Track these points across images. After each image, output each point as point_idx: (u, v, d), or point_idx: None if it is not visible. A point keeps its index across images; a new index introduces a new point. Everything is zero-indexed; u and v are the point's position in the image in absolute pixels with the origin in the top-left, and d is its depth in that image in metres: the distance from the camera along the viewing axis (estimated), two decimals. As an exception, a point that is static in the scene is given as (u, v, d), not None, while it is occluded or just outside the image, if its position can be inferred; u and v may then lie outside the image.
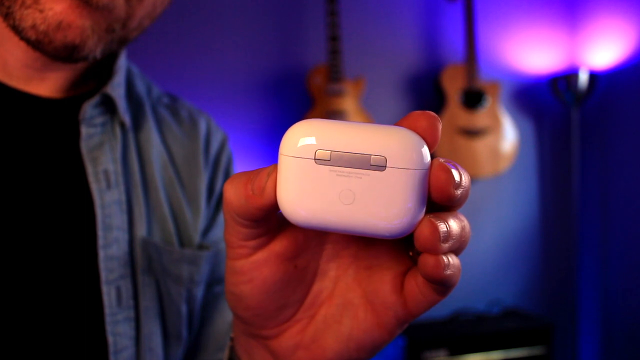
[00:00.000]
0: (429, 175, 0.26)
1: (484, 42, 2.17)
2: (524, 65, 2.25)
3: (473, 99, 2.04)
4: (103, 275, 0.48)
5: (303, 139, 0.26)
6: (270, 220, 0.29)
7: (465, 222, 0.28)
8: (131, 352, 0.49)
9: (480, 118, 2.06)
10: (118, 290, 0.49)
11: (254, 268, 0.30)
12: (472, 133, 2.04)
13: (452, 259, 0.27)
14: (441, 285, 0.27)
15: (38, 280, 0.46)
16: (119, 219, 0.50)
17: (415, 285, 0.29)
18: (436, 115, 0.27)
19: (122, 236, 0.50)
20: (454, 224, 0.26)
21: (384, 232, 0.26)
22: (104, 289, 0.48)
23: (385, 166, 0.26)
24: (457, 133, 2.03)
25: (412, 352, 1.87)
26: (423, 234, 0.25)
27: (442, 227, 0.25)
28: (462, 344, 1.90)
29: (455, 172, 0.26)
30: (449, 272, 0.26)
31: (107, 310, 0.48)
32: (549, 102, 2.25)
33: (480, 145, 2.05)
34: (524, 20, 2.26)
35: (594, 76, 2.09)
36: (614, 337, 2.12)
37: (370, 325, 0.31)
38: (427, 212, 0.27)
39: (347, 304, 0.32)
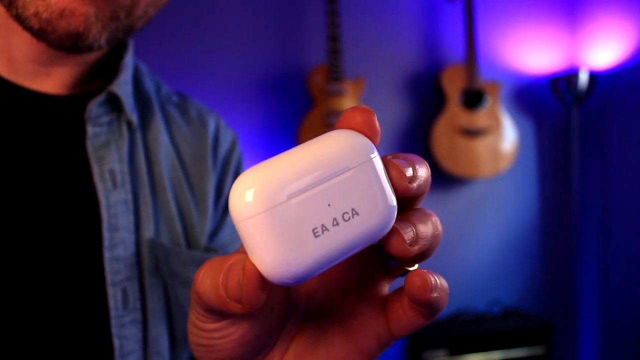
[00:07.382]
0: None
1: (484, 42, 2.16)
2: (524, 65, 2.25)
3: (473, 99, 2.04)
4: (109, 277, 0.47)
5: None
6: None
7: (434, 218, 0.27)
8: (138, 355, 0.48)
9: (480, 118, 2.05)
10: (124, 292, 0.48)
11: (229, 325, 0.27)
12: (472, 133, 2.04)
13: (440, 281, 0.26)
14: (427, 308, 0.26)
15: (42, 282, 0.46)
16: (126, 220, 0.49)
17: (400, 307, 0.28)
18: (369, 108, 0.26)
19: (128, 237, 0.49)
20: (421, 225, 0.26)
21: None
22: (110, 291, 0.47)
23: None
24: (457, 133, 2.03)
25: (412, 352, 1.86)
26: (390, 242, 0.25)
27: (409, 232, 0.25)
28: (462, 344, 1.89)
29: (406, 166, 0.25)
30: (435, 294, 0.25)
31: (112, 313, 0.47)
32: (549, 102, 2.25)
33: (480, 145, 2.05)
34: (524, 20, 2.25)
35: (594, 76, 2.09)
36: (614, 337, 2.12)
37: (348, 352, 0.29)
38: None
39: (321, 332, 0.30)
